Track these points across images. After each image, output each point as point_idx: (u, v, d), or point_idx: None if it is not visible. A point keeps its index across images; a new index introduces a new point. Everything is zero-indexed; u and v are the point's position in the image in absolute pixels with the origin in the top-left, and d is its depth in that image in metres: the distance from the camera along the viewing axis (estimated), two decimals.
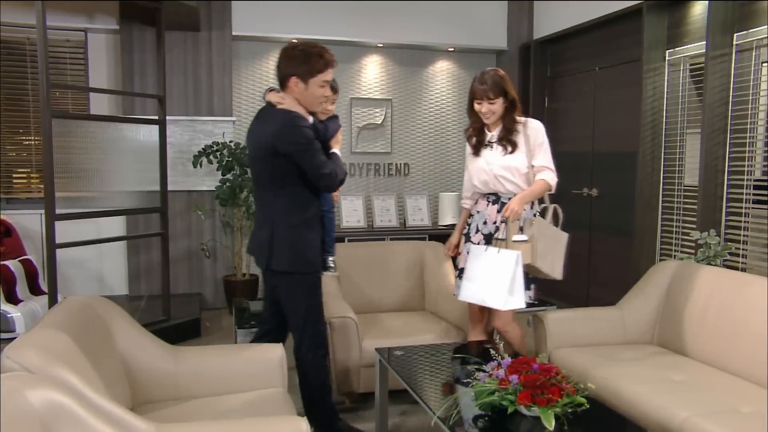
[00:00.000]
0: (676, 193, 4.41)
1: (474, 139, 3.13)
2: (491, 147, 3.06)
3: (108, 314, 2.50)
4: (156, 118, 4.70)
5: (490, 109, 2.97)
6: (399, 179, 6.32)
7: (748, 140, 3.85)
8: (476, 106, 3.02)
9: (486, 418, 2.16)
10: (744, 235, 3.86)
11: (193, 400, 2.53)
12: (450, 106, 6.42)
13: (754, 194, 3.83)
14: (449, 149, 6.46)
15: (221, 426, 2.09)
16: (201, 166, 5.33)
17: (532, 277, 3.06)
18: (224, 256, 5.75)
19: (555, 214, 3.10)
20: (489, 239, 3.07)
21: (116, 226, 5.32)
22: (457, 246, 3.32)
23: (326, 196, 2.92)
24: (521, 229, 2.95)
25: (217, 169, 5.35)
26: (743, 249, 3.86)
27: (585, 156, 5.35)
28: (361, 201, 6.04)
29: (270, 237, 2.75)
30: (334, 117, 2.91)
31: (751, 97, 3.83)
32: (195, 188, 5.61)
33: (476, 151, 3.11)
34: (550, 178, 3.01)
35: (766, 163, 3.81)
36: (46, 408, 1.65)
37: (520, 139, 3.01)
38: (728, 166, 3.96)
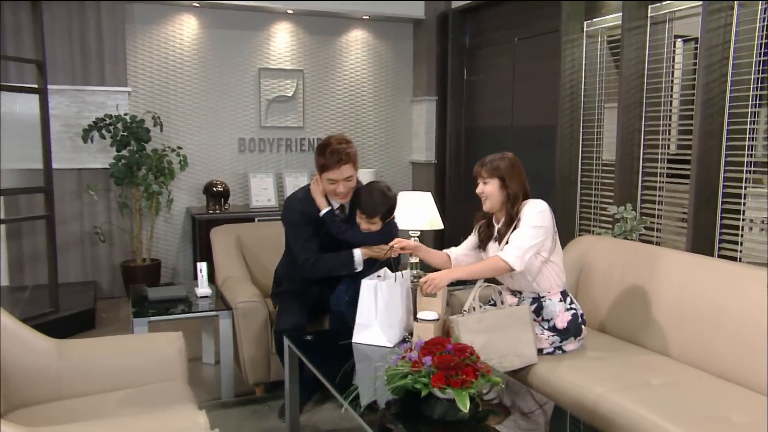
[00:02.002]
0: (594, 167, 4.38)
1: (482, 232, 2.78)
2: (497, 242, 2.68)
3: None
4: (35, 86, 4.19)
5: (483, 189, 2.66)
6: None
7: (662, 114, 3.85)
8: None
9: (399, 403, 2.05)
10: (659, 209, 3.87)
11: (79, 398, 2.31)
12: (365, 77, 6.17)
13: (668, 168, 3.83)
14: (365, 124, 6.22)
15: (105, 426, 1.87)
16: (92, 141, 4.89)
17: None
18: (122, 240, 5.29)
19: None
20: None
21: None
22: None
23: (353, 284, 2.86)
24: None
25: (111, 145, 4.91)
26: (658, 223, 3.87)
27: (504, 129, 5.26)
28: (271, 178, 5.73)
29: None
30: (385, 228, 2.96)
31: (665, 71, 3.82)
32: (86, 166, 5.12)
33: (483, 246, 2.76)
34: (510, 257, 2.50)
35: (681, 137, 3.82)
36: None
37: None
38: (644, 140, 3.95)
